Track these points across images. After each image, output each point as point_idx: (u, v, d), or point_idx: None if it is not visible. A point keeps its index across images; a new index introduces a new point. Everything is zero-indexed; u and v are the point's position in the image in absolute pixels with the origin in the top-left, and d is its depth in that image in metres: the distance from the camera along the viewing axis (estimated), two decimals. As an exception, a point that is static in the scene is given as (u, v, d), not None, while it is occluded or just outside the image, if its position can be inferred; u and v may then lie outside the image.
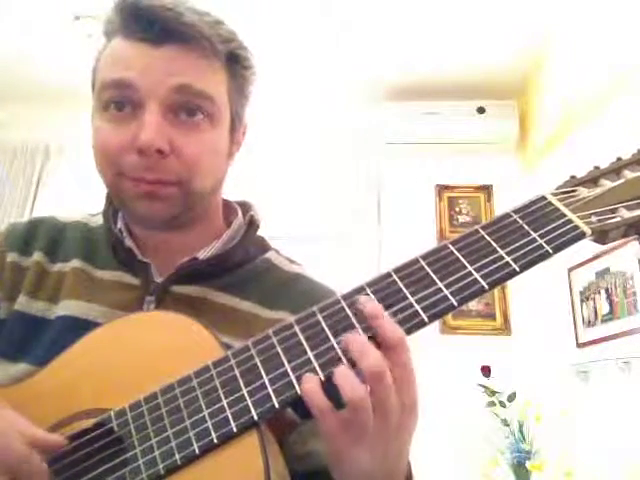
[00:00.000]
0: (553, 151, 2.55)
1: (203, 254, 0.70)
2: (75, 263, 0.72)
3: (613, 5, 2.08)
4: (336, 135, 2.97)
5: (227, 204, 0.80)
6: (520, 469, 2.17)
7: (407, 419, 0.49)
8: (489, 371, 2.39)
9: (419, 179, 2.94)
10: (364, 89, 2.94)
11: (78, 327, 0.63)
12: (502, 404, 2.28)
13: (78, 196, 2.65)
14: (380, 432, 0.47)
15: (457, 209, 2.90)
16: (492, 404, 2.30)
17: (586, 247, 0.55)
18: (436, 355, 2.48)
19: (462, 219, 2.88)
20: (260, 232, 0.79)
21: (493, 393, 2.32)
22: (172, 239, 0.72)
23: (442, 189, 2.94)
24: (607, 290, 2.10)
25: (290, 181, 2.92)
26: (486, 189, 2.92)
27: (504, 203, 2.83)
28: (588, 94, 2.22)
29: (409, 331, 0.50)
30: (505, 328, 2.65)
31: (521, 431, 2.23)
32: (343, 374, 0.47)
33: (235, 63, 0.68)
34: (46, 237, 0.75)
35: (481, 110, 2.84)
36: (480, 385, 2.36)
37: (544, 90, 2.70)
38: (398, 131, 2.89)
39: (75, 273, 0.71)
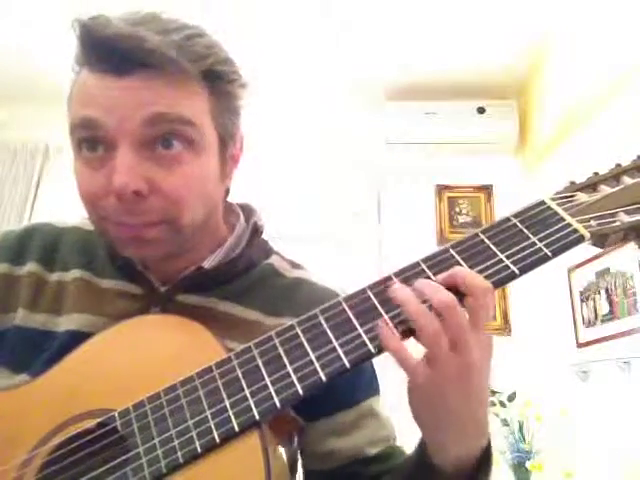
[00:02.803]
0: (553, 151, 2.55)
1: (208, 263, 0.69)
2: (76, 273, 0.71)
3: (613, 5, 2.08)
4: (336, 135, 2.97)
5: (228, 206, 0.78)
6: (520, 469, 2.17)
7: (486, 356, 0.51)
8: (489, 371, 2.39)
9: (419, 179, 2.94)
10: (364, 89, 2.94)
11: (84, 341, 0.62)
12: (502, 404, 2.28)
13: (78, 196, 2.65)
14: (462, 367, 0.49)
15: (457, 209, 2.90)
16: (492, 404, 2.30)
17: (586, 248, 0.55)
18: (436, 355, 2.48)
19: (462, 219, 2.88)
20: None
21: (493, 393, 2.32)
22: (173, 262, 0.69)
23: (442, 189, 2.94)
24: (607, 290, 2.10)
25: (290, 181, 2.92)
26: (486, 189, 2.92)
27: (504, 203, 2.83)
28: (588, 94, 2.22)
29: (411, 333, 0.51)
30: (505, 328, 2.66)
31: (521, 431, 2.23)
32: (415, 310, 0.49)
33: (215, 79, 0.62)
34: (41, 246, 0.73)
35: (481, 110, 2.84)
36: (480, 385, 2.36)
37: (544, 90, 2.70)
38: (398, 131, 2.89)
39: (77, 284, 0.70)
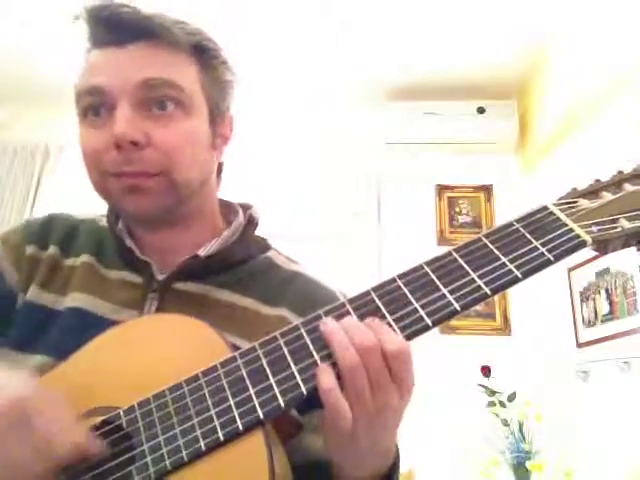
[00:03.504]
0: (553, 151, 2.55)
1: (204, 251, 0.71)
2: (85, 258, 0.74)
3: (613, 6, 2.08)
4: (336, 135, 2.97)
5: (228, 205, 0.81)
6: (520, 469, 2.17)
7: (404, 405, 0.52)
8: (489, 371, 2.40)
9: (419, 179, 2.94)
10: (364, 89, 2.94)
11: (86, 319, 0.66)
12: (502, 404, 2.28)
13: (78, 196, 2.65)
14: (379, 410, 0.50)
15: (457, 209, 2.90)
16: (492, 404, 2.31)
17: (587, 250, 0.56)
18: (436, 355, 2.49)
19: (462, 219, 2.88)
20: (260, 232, 0.81)
21: (493, 393, 2.33)
22: (171, 238, 0.73)
23: (442, 189, 2.94)
24: (607, 290, 2.10)
25: (290, 181, 2.92)
26: (486, 189, 2.93)
27: (504, 203, 2.83)
28: (588, 94, 2.23)
29: (413, 335, 0.52)
30: (505, 328, 2.66)
31: (521, 431, 2.23)
32: (341, 345, 0.50)
33: (203, 53, 0.70)
34: (61, 231, 0.77)
35: (481, 110, 2.85)
36: (480, 385, 2.37)
37: (544, 90, 2.70)
38: (398, 131, 2.90)
39: (85, 267, 0.73)
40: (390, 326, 0.52)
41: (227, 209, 0.80)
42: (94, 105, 0.65)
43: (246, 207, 0.81)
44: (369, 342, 0.49)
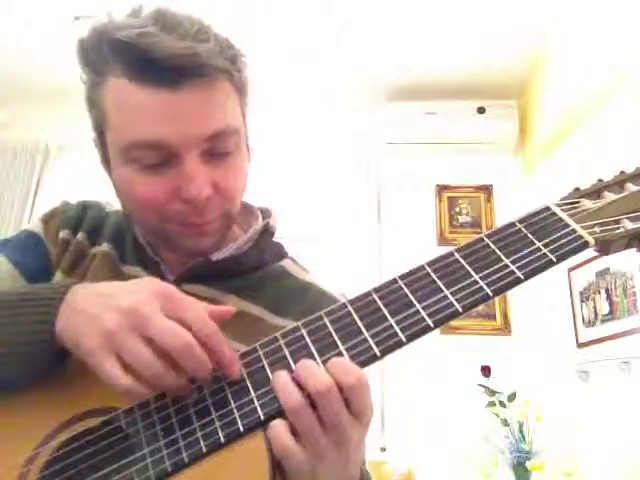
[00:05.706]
0: (553, 151, 2.55)
1: (217, 256, 0.72)
2: (105, 247, 0.75)
3: (613, 5, 2.08)
4: (336, 135, 2.97)
5: (249, 208, 0.81)
6: (520, 469, 2.17)
7: (364, 437, 0.52)
8: (489, 371, 2.40)
9: (419, 179, 2.94)
10: (364, 89, 2.94)
11: None
12: (502, 404, 2.28)
13: (78, 196, 2.65)
14: (337, 447, 0.49)
15: (457, 209, 2.90)
16: (492, 404, 2.31)
17: (588, 250, 0.56)
18: (436, 355, 2.49)
19: (462, 219, 2.88)
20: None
21: (493, 393, 2.32)
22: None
23: (442, 189, 2.94)
24: (607, 290, 2.10)
25: (290, 181, 2.92)
26: (486, 189, 2.93)
27: (504, 203, 2.83)
28: (588, 94, 2.23)
29: (415, 336, 0.51)
30: (505, 328, 2.66)
31: (521, 431, 2.23)
32: (282, 382, 0.49)
33: (242, 79, 0.69)
34: (91, 220, 0.78)
35: (481, 110, 2.84)
36: (480, 385, 2.37)
37: (544, 90, 2.70)
38: (398, 131, 2.89)
39: (102, 257, 0.74)
40: (392, 327, 0.51)
41: (248, 212, 0.81)
42: (150, 155, 0.62)
43: (266, 213, 0.82)
44: (321, 385, 0.47)
